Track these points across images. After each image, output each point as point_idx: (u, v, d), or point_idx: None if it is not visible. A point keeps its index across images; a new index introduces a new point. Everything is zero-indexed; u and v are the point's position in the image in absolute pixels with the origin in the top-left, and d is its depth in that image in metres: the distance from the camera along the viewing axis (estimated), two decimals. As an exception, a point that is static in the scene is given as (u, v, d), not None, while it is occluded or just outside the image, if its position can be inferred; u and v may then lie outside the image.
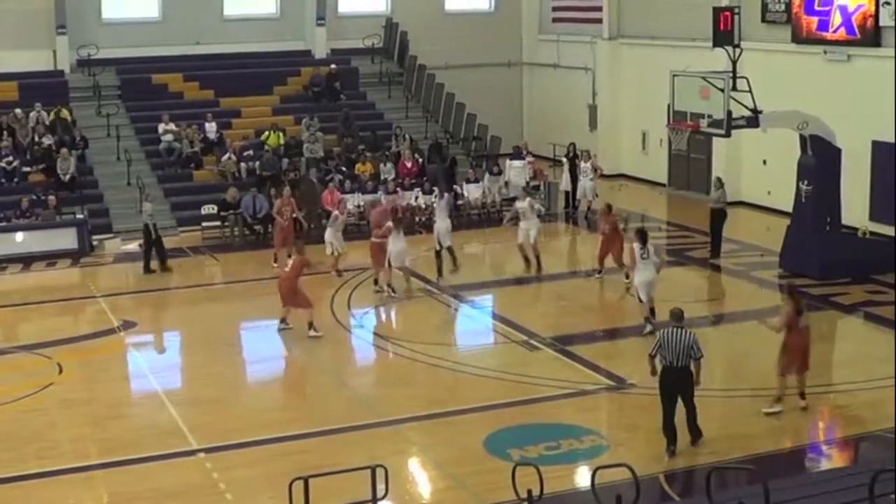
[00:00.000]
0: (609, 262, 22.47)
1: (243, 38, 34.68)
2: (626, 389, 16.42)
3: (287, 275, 19.58)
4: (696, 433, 14.28)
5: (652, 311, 18.76)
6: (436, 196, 25.02)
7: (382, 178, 29.15)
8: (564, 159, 30.41)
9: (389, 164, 29.68)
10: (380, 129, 32.20)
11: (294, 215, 24.34)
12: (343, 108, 32.42)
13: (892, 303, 19.94)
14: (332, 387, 17.51)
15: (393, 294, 21.64)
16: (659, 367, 14.09)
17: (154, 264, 24.08)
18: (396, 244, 21.50)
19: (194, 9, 34.40)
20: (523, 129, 37.92)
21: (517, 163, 29.79)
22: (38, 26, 32.42)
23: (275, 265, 23.68)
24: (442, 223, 23.04)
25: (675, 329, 14.01)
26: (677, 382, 14.00)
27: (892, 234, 24.03)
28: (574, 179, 29.50)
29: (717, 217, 24.44)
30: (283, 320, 19.62)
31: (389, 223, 21.76)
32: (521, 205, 23.53)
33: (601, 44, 34.70)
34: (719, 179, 25.06)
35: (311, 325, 19.24)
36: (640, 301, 18.91)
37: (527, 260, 23.30)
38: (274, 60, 34.64)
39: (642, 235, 19.12)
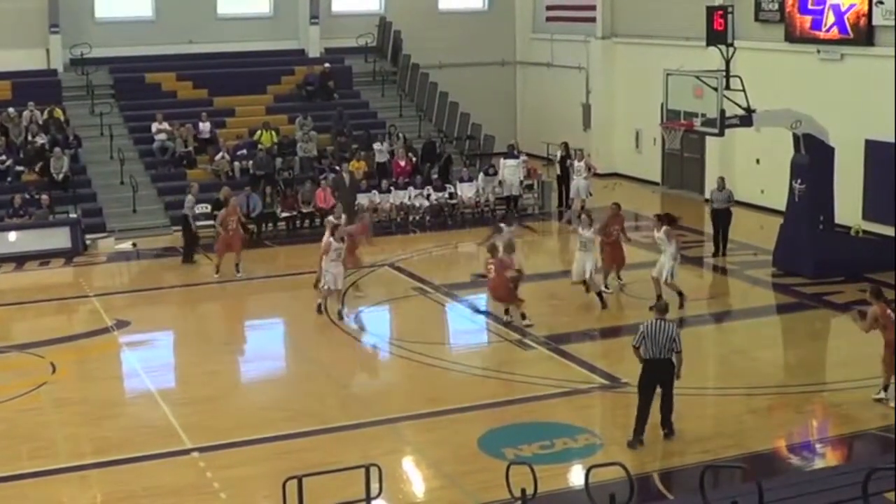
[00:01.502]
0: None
1: (237, 37, 34.67)
2: (619, 388, 16.41)
3: (496, 277, 19.42)
4: (671, 428, 14.28)
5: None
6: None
7: (376, 158, 29.59)
8: (557, 158, 30.45)
9: (385, 144, 30.07)
10: (373, 128, 32.16)
11: (242, 224, 23.85)
12: (337, 107, 32.41)
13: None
14: (326, 386, 17.48)
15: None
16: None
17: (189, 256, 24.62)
18: (335, 267, 20.17)
19: (188, 8, 34.35)
20: (517, 128, 37.94)
21: (511, 162, 29.79)
22: (31, 25, 32.39)
23: (216, 275, 23.30)
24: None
25: (658, 321, 14.06)
26: (660, 374, 14.06)
27: (884, 232, 24.08)
28: (567, 178, 29.53)
29: (725, 217, 24.54)
30: (506, 311, 19.77)
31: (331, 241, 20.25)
32: (587, 234, 20.56)
33: (595, 43, 34.73)
34: (722, 179, 25.03)
35: (524, 316, 19.44)
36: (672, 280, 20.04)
37: (587, 289, 20.83)
38: (267, 59, 34.62)
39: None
